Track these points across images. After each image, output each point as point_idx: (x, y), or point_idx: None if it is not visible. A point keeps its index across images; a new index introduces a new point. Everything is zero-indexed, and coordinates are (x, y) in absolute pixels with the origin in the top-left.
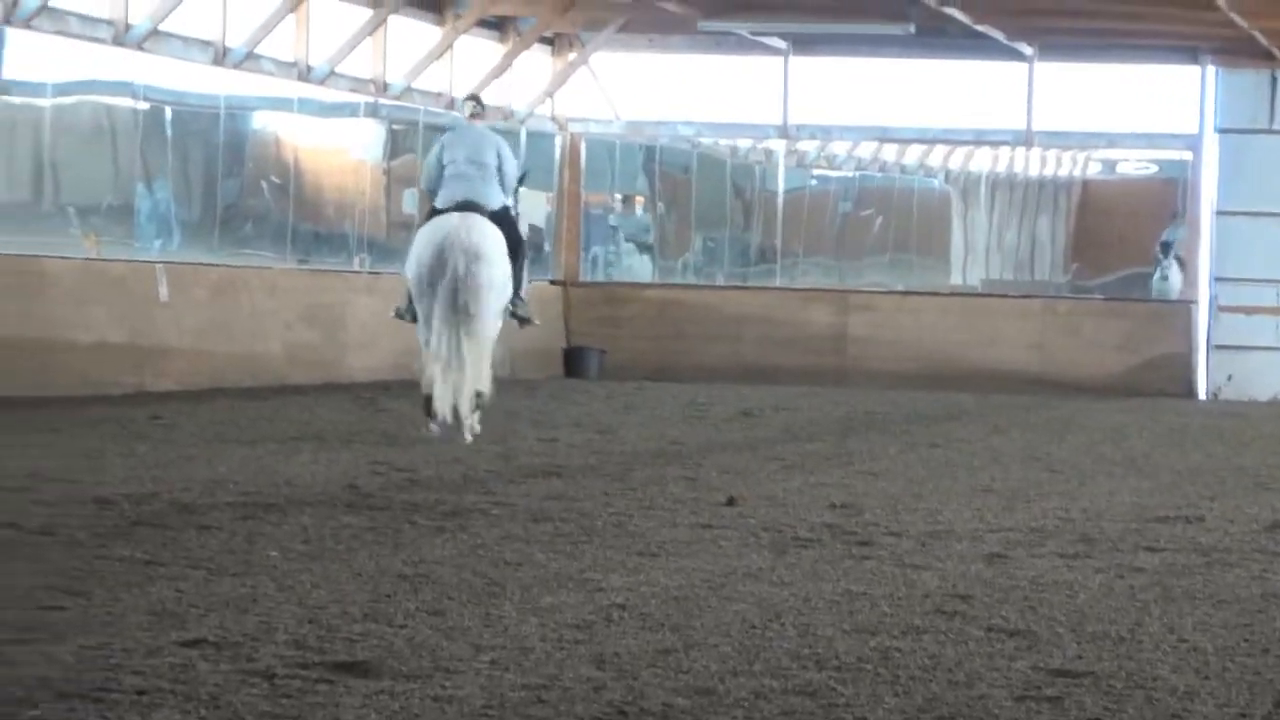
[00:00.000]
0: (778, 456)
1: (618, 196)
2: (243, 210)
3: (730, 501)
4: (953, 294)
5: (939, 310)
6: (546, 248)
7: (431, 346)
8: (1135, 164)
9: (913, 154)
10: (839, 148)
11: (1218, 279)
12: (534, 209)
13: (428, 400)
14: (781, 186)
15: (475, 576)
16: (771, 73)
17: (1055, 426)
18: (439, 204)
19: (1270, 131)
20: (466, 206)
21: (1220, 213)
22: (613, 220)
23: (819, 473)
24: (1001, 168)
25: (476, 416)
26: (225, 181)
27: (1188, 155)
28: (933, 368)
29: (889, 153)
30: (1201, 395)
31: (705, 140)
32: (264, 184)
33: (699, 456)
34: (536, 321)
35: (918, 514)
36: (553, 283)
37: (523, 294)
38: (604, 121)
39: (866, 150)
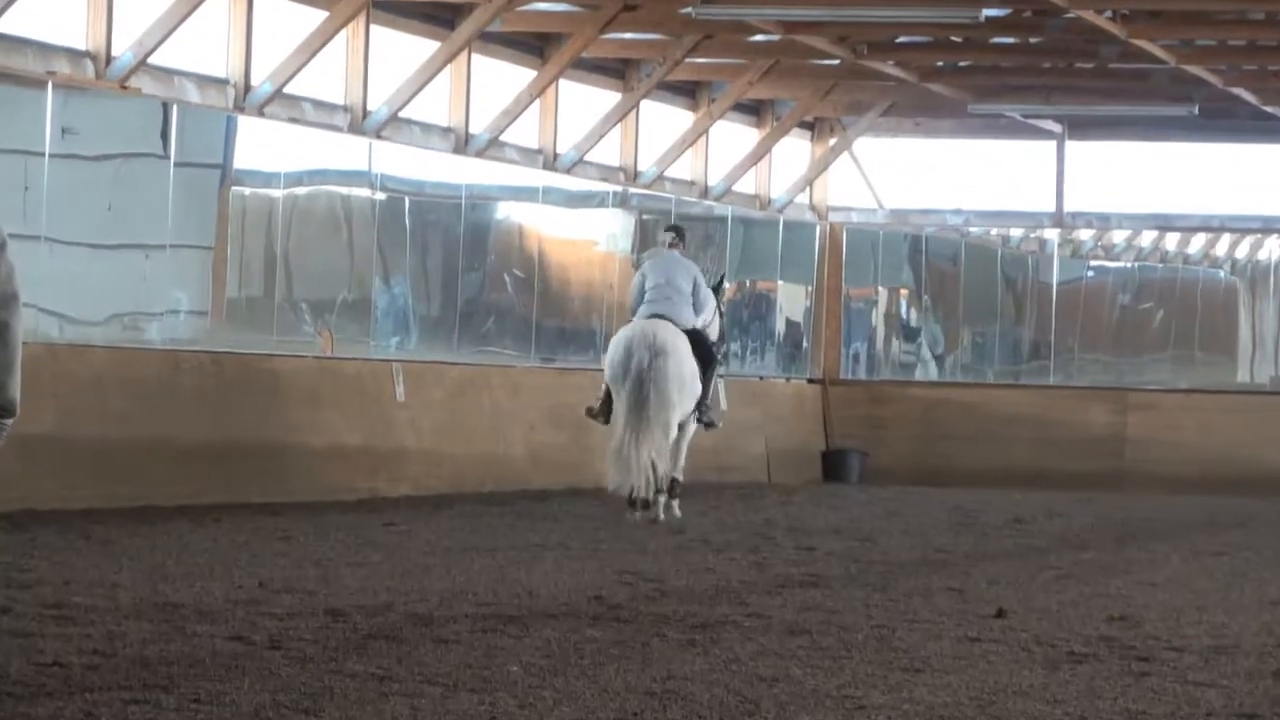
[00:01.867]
0: (1050, 565)
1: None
2: (484, 305)
3: (1000, 613)
4: (1240, 392)
5: (1225, 409)
6: (805, 344)
7: (616, 437)
8: None
9: (1196, 243)
10: (1117, 236)
11: None
12: (792, 303)
13: (629, 493)
14: (1056, 278)
15: (728, 694)
16: (1045, 158)
17: None
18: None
19: None
20: (658, 318)
21: None
22: (915, 323)
23: (1094, 583)
24: None
25: (677, 504)
26: (466, 275)
27: None
28: (1218, 471)
29: (1171, 242)
30: None
31: (974, 229)
32: (507, 277)
33: (966, 565)
34: (719, 424)
35: (1201, 627)
36: (811, 381)
37: (709, 400)
38: (867, 210)
39: (1146, 239)
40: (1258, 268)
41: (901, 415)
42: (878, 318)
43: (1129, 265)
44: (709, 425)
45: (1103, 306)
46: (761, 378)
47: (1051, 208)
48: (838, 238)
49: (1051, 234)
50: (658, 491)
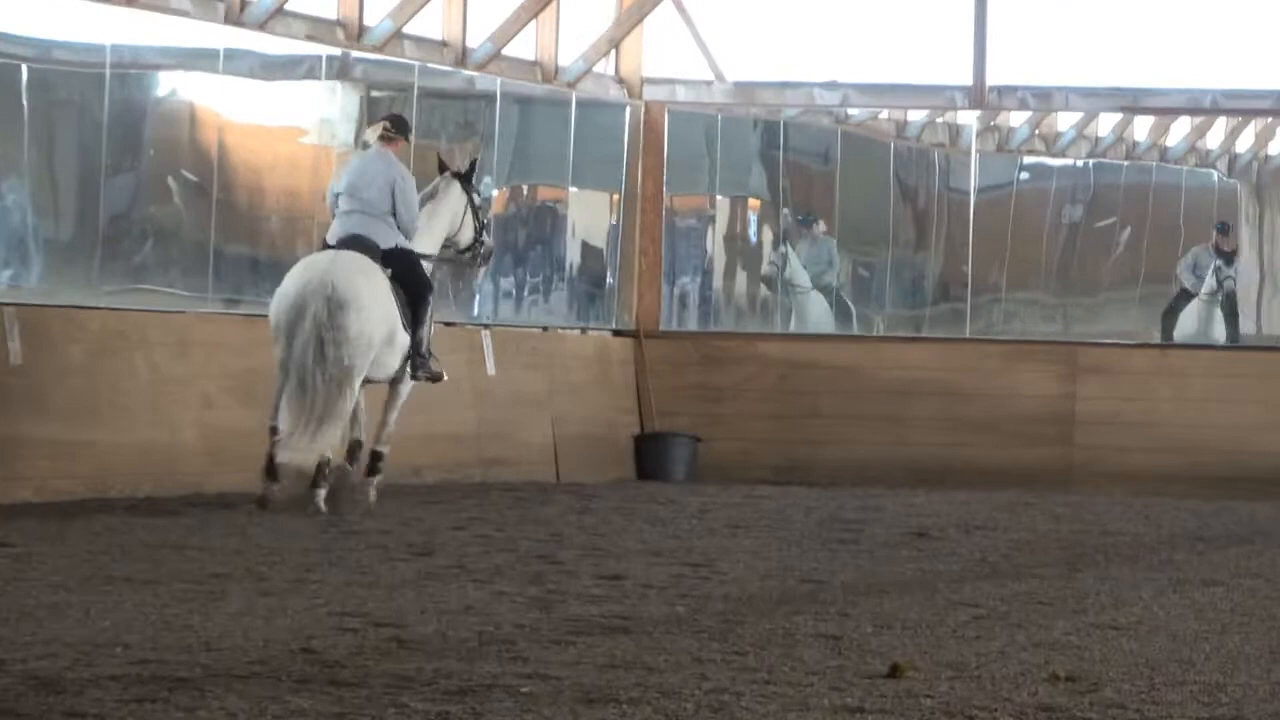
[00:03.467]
0: (968, 601)
1: (796, 218)
2: (138, 224)
3: (894, 672)
4: (1241, 348)
5: (1219, 373)
6: (609, 279)
7: (283, 400)
8: None
9: (1178, 130)
10: (1063, 121)
11: None
12: (591, 220)
13: (269, 459)
14: (974, 183)
15: None
16: (959, 10)
17: None
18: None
19: None
20: (351, 244)
21: None
22: (778, 256)
23: (1031, 627)
24: None
25: (374, 486)
26: (112, 179)
27: None
28: (1208, 462)
29: (1141, 129)
30: None
31: (856, 112)
32: (172, 183)
33: (845, 602)
34: (445, 376)
35: (1187, 690)
36: (618, 333)
37: (425, 347)
38: (699, 84)
39: (1106, 125)
40: (1268, 166)
41: (750, 383)
42: (715, 241)
43: (1080, 164)
44: (431, 378)
45: (1042, 225)
46: (545, 329)
47: (968, 79)
48: (656, 124)
49: (968, 118)
50: (330, 468)
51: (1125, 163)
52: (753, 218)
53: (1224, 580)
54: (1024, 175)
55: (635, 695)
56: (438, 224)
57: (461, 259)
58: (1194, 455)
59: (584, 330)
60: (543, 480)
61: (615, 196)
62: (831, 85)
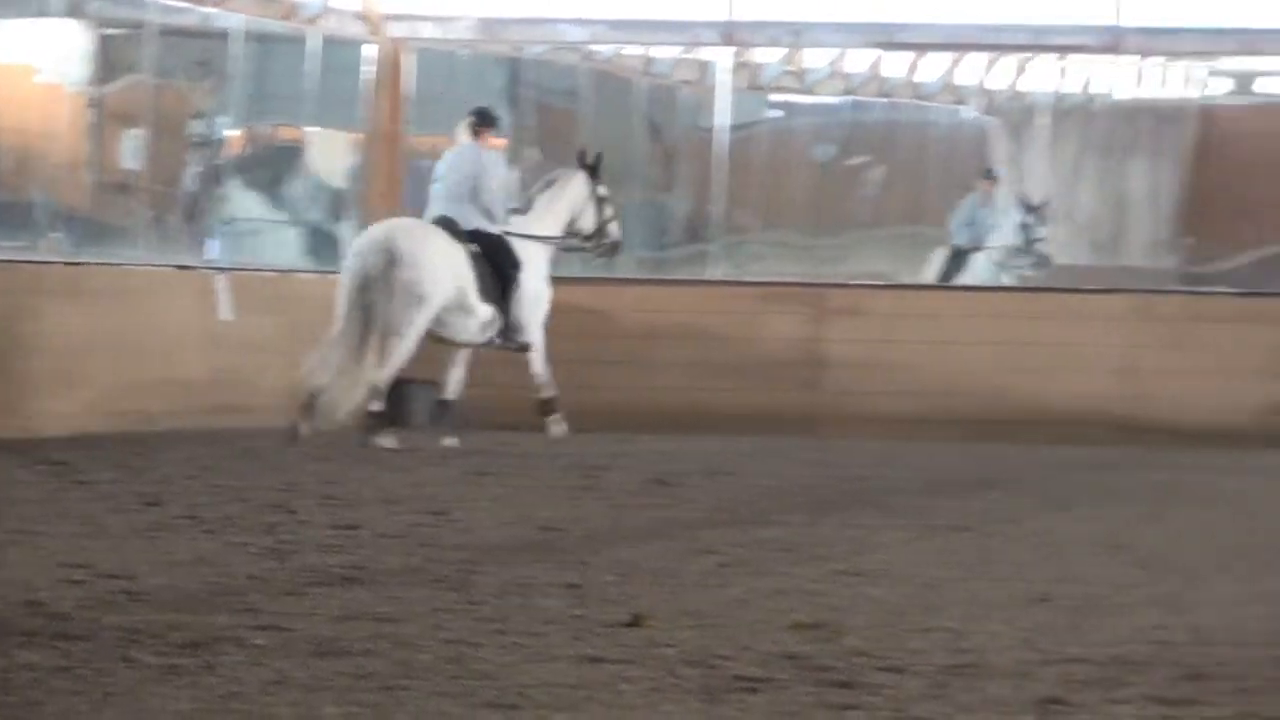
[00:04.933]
0: (710, 548)
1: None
2: None
3: (635, 621)
4: (993, 289)
5: (970, 315)
6: (348, 221)
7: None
8: None
9: (933, 67)
10: (815, 58)
11: None
12: (329, 159)
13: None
14: (724, 120)
15: None
16: None
17: (1151, 498)
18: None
19: None
20: (437, 222)
21: None
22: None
23: (774, 574)
24: (1075, 87)
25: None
26: None
27: None
28: (959, 406)
29: (895, 65)
30: None
31: (602, 48)
32: None
33: (586, 550)
34: (533, 346)
35: (932, 638)
36: None
37: (514, 320)
38: (444, 21)
39: (859, 62)
40: (1023, 105)
41: None
42: None
43: (834, 101)
44: (519, 348)
45: (793, 163)
46: (282, 272)
47: (720, 16)
48: (398, 63)
49: (718, 55)
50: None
51: (879, 99)
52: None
53: (971, 525)
54: (775, 114)
55: (370, 647)
56: (557, 208)
57: (585, 246)
58: (943, 399)
59: (322, 275)
60: (278, 428)
61: (356, 136)
62: (579, 22)
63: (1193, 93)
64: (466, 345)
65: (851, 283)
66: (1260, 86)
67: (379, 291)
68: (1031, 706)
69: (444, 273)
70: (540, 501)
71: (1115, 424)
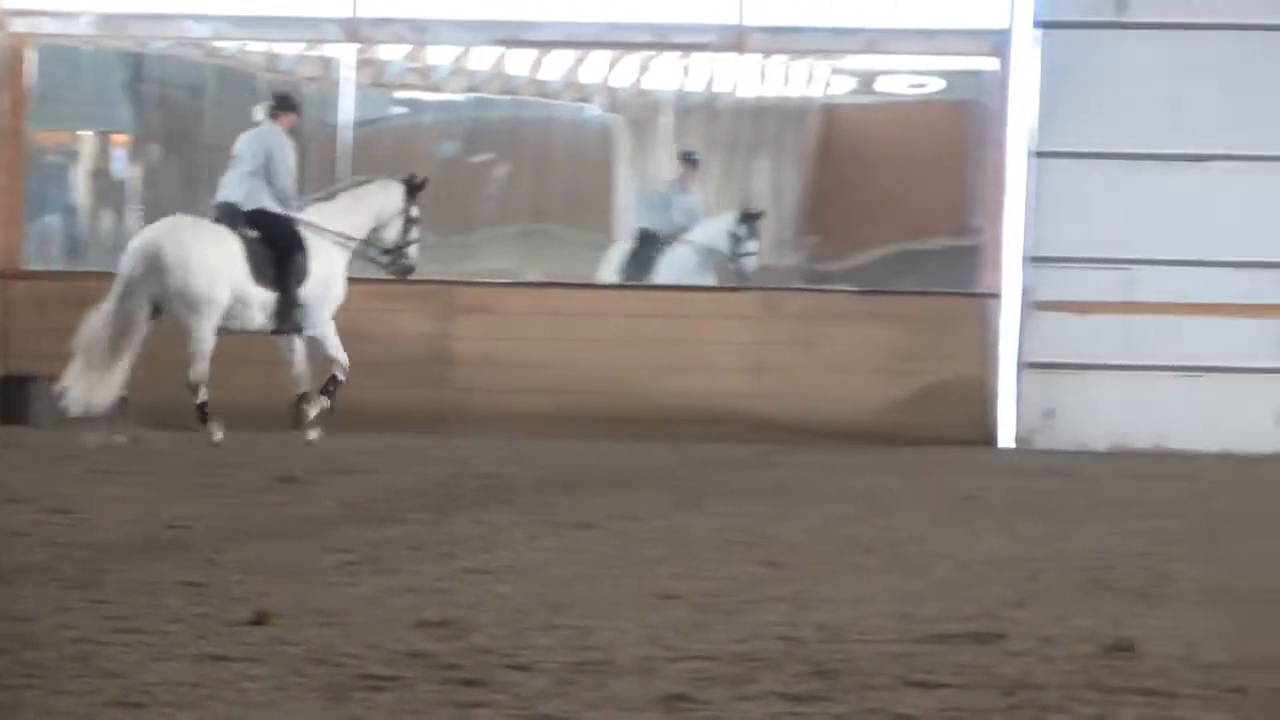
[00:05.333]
0: (336, 546)
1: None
2: None
3: (259, 619)
4: (621, 286)
5: (597, 313)
6: None
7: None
8: (909, 77)
9: (558, 64)
10: (440, 55)
11: (1033, 259)
12: None
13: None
14: (347, 118)
15: None
16: None
17: (778, 495)
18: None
19: (1118, 25)
20: (219, 208)
21: (1040, 154)
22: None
23: (401, 572)
24: (698, 85)
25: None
26: None
27: (992, 62)
28: (589, 404)
29: (519, 63)
30: (1006, 442)
31: (226, 44)
32: None
33: (211, 548)
34: (315, 330)
35: (558, 635)
36: None
37: (293, 302)
38: (65, 16)
39: (484, 59)
40: (646, 102)
41: None
42: (81, 178)
43: (457, 98)
44: (297, 330)
45: (418, 161)
46: None
47: (344, 12)
48: (20, 56)
49: (341, 52)
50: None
51: (503, 97)
52: (121, 153)
53: (599, 523)
54: (399, 110)
55: None
56: (361, 209)
57: (380, 260)
58: (572, 396)
59: None
60: None
61: None
62: (202, 18)
63: (816, 91)
64: (257, 334)
65: (479, 280)
66: (883, 85)
67: (143, 296)
68: (658, 703)
69: (216, 271)
70: (166, 499)
71: (745, 421)
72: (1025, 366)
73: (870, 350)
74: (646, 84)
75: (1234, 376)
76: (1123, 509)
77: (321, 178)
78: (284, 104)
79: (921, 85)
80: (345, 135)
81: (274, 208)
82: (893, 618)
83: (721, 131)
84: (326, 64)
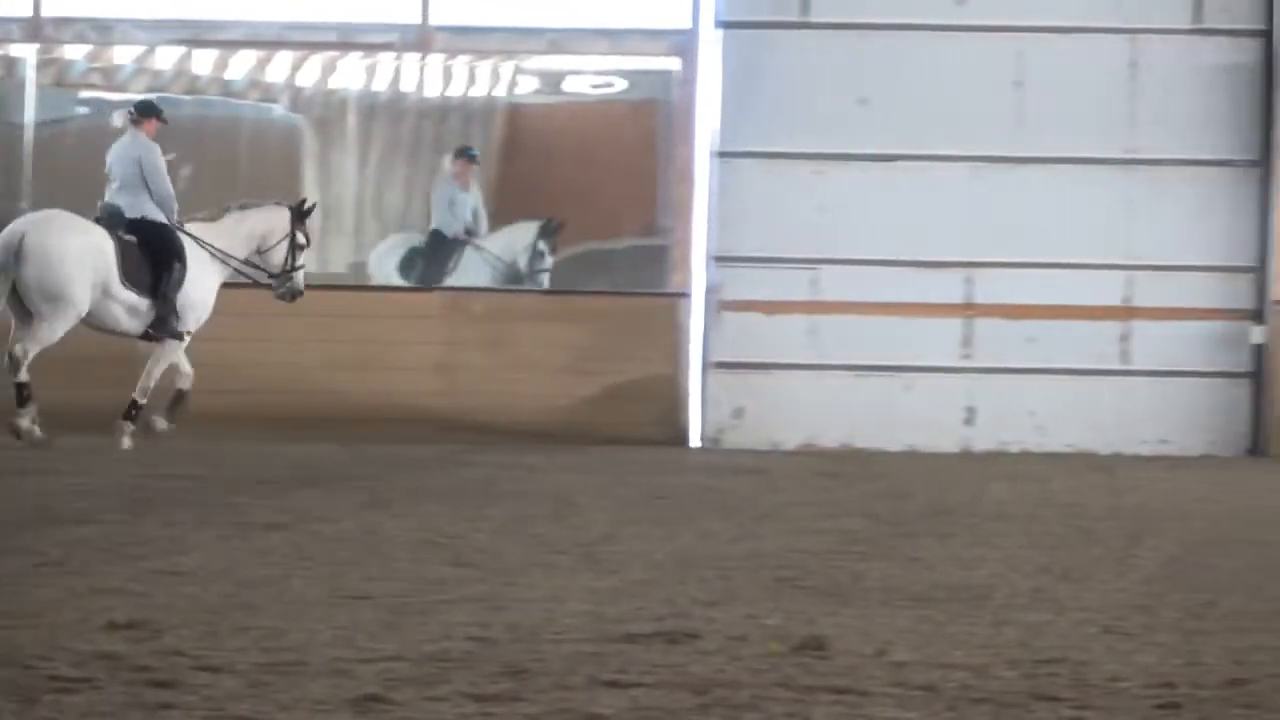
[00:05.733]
0: (26, 548)
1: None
2: None
3: None
4: (312, 287)
5: (281, 311)
6: None
7: None
8: (593, 77)
9: (243, 64)
10: (124, 55)
11: (719, 259)
12: None
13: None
14: (30, 117)
15: None
16: None
17: (468, 495)
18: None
19: (801, 25)
20: (104, 211)
21: (724, 153)
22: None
23: (92, 574)
24: (382, 84)
25: (127, 429)
26: None
27: (674, 62)
28: (275, 405)
29: (204, 62)
30: (696, 441)
31: None
32: None
33: None
34: (185, 337)
35: (249, 636)
36: None
37: (165, 312)
38: None
39: (169, 59)
40: (332, 101)
41: None
42: None
43: (142, 98)
44: (172, 336)
45: (102, 161)
46: None
47: (25, 11)
48: None
49: (24, 51)
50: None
51: (188, 97)
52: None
53: (289, 524)
54: (84, 110)
55: None
56: (242, 230)
57: (268, 282)
58: (260, 396)
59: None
60: None
61: None
62: None
63: (501, 92)
64: (124, 335)
65: None
66: (568, 86)
67: (4, 285)
68: (350, 704)
69: (74, 264)
70: None
71: (433, 422)
72: (713, 366)
73: (559, 350)
74: (332, 84)
75: (920, 375)
76: (812, 508)
77: (7, 179)
78: (145, 110)
79: (607, 85)
80: (28, 135)
81: (157, 215)
82: (585, 617)
83: (406, 132)
84: (10, 63)
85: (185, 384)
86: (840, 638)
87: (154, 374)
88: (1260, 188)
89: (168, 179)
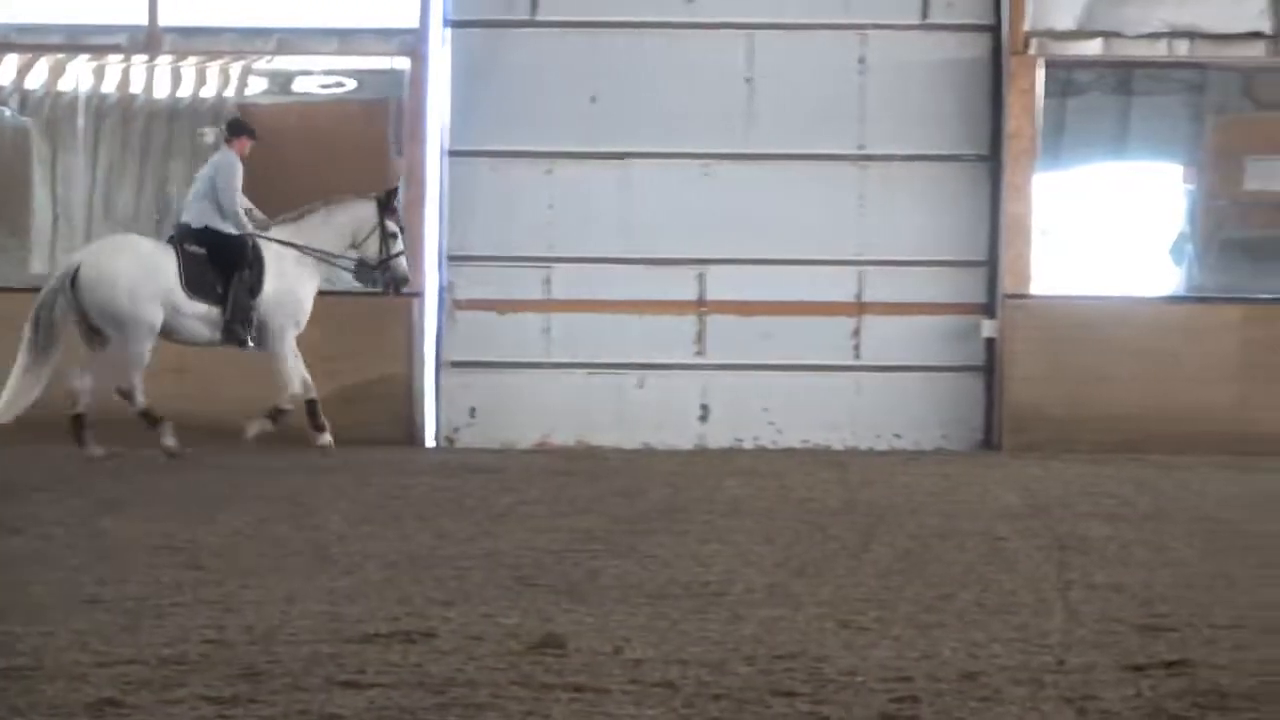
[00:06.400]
0: None
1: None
2: None
3: None
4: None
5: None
6: None
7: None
8: (323, 77)
9: None
10: None
11: (452, 258)
12: None
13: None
14: None
15: None
16: None
17: (201, 498)
18: None
19: (531, 24)
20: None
21: (456, 152)
22: None
23: None
24: (111, 86)
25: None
26: None
27: (404, 61)
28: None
29: None
30: (431, 441)
31: None
32: None
33: None
34: (251, 343)
35: None
36: None
37: (230, 317)
38: None
39: None
40: (60, 104)
41: None
42: None
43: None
44: (238, 343)
45: None
46: None
47: None
48: None
49: None
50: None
51: None
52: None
53: (21, 528)
54: None
55: None
56: (330, 227)
57: (371, 276)
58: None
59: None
60: None
61: None
62: None
63: (230, 92)
64: (203, 344)
65: None
66: (298, 86)
67: (61, 309)
68: (86, 708)
69: (130, 282)
70: None
71: (173, 424)
72: (447, 366)
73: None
74: (61, 86)
75: (654, 373)
76: (548, 506)
77: None
78: (234, 129)
79: (337, 85)
80: None
81: (220, 225)
82: (321, 618)
83: (136, 134)
84: None
85: (285, 403)
86: (577, 635)
87: (285, 374)
88: (990, 182)
89: (237, 194)
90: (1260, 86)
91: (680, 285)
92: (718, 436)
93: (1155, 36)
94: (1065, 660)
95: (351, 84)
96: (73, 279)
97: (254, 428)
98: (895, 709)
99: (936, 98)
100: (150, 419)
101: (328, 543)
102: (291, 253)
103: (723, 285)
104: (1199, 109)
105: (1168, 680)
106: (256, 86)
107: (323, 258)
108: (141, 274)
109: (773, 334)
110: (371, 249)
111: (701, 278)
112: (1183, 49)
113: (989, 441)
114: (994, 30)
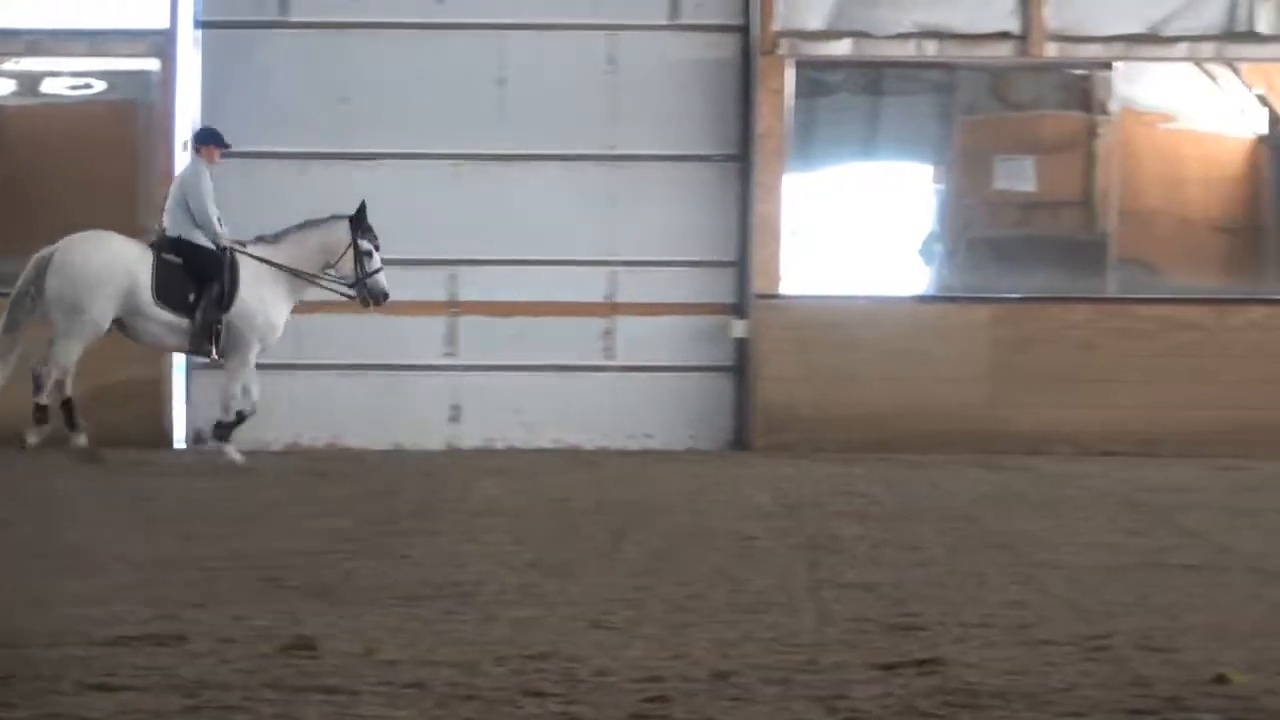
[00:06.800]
0: None
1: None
2: None
3: None
4: None
5: None
6: None
7: None
8: (72, 78)
9: None
10: None
11: None
12: None
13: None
14: None
15: None
16: None
17: None
18: None
19: (282, 25)
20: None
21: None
22: None
23: None
24: None
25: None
26: None
27: (153, 63)
28: None
29: None
30: (180, 443)
31: None
32: None
33: None
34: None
35: None
36: None
37: (200, 328)
38: None
39: None
40: None
41: None
42: None
43: None
44: (205, 355)
45: None
46: None
47: None
48: None
49: None
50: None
51: None
52: None
53: None
54: None
55: None
56: (307, 246)
57: (350, 293)
58: None
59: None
60: None
61: None
62: None
63: None
64: (168, 351)
65: None
66: (47, 87)
67: (31, 297)
68: None
69: (95, 279)
70: None
71: None
72: (198, 367)
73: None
74: None
75: (405, 374)
76: (300, 507)
77: None
78: (201, 137)
79: (86, 86)
80: None
81: (194, 237)
82: (71, 621)
83: None
84: None
85: (247, 407)
86: (329, 637)
87: (230, 391)
88: (740, 183)
89: (208, 203)
90: (1008, 86)
91: (431, 285)
92: (470, 437)
93: (905, 37)
94: (817, 659)
95: (101, 85)
96: (45, 265)
97: (232, 452)
98: (647, 709)
99: (687, 98)
100: (41, 417)
101: (76, 545)
102: (269, 272)
103: (474, 286)
104: (948, 109)
105: (919, 679)
106: (5, 88)
107: (310, 279)
108: (108, 271)
109: (524, 334)
110: (346, 267)
111: (453, 278)
112: (932, 49)
113: (740, 441)
114: (744, 30)
